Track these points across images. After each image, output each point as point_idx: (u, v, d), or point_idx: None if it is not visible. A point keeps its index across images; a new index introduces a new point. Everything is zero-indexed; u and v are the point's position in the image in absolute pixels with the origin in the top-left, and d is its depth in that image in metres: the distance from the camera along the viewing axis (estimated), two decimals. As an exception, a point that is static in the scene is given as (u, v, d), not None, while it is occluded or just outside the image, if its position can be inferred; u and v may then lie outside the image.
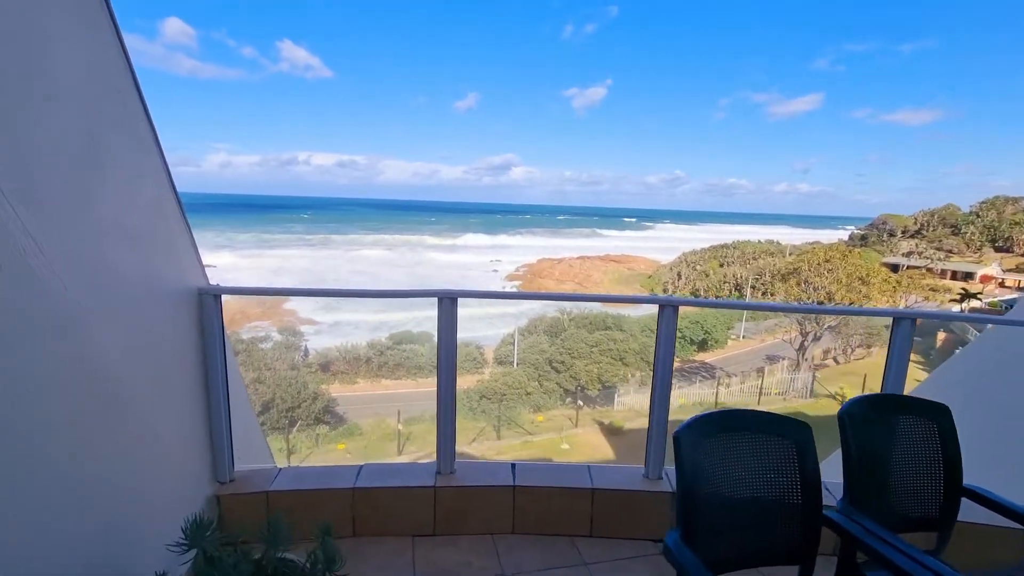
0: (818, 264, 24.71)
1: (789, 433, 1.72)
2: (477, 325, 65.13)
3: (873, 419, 1.88)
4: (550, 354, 29.00)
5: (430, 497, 2.68)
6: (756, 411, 1.77)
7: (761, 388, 20.27)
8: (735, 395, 21.79)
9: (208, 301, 2.45)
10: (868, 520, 1.70)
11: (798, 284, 25.30)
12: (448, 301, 2.64)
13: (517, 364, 38.52)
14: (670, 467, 2.94)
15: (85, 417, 1.63)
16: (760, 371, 37.25)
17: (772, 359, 41.32)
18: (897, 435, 1.91)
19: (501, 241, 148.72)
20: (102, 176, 1.76)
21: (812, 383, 20.54)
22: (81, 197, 1.64)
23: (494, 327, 59.77)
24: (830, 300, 23.91)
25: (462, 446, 14.60)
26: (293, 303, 70.51)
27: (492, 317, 69.97)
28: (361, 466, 2.85)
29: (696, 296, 73.14)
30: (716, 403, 19.35)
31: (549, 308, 67.09)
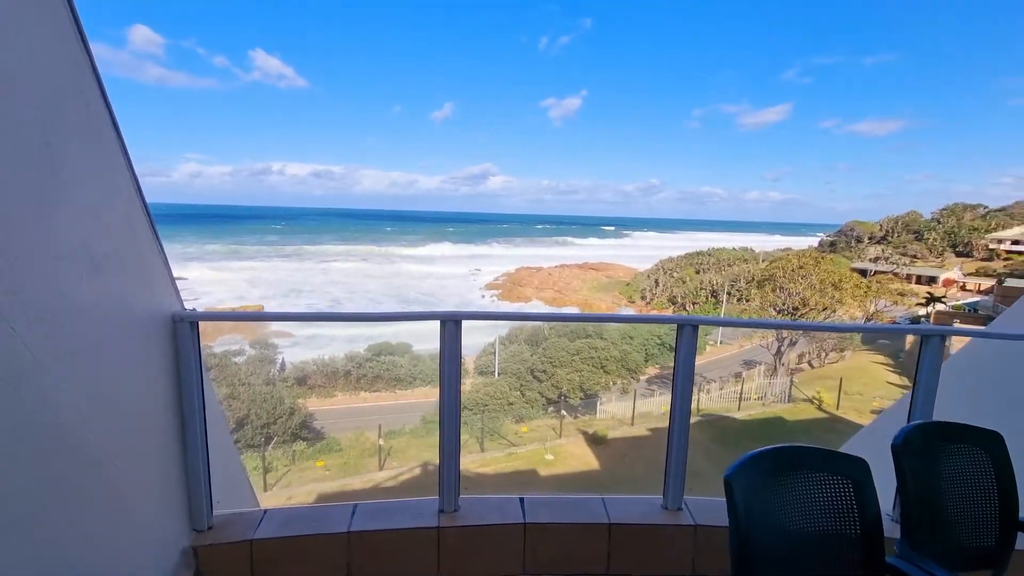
0: (792, 271, 25.19)
1: (845, 469, 1.57)
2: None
3: (927, 450, 1.75)
4: (532, 363, 28.81)
5: (433, 539, 2.45)
6: (810, 447, 1.61)
7: (741, 393, 20.44)
8: (715, 401, 21.94)
9: (183, 329, 2.19)
10: (931, 563, 1.56)
11: (773, 290, 25.75)
12: (452, 324, 2.43)
13: (499, 374, 38.19)
14: (689, 497, 2.77)
15: (46, 479, 1.37)
16: (738, 376, 37.79)
17: (749, 364, 41.97)
18: (951, 466, 1.78)
19: (479, 251, 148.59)
20: (63, 193, 1.51)
21: (790, 387, 20.83)
22: (36, 218, 1.38)
23: (473, 336, 59.40)
24: (804, 305, 24.39)
25: (446, 461, 14.29)
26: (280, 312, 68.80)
27: (471, 326, 69.46)
28: (355, 505, 2.60)
29: (674, 302, 74.15)
30: (698, 409, 19.41)
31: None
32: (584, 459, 14.59)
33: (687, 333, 2.57)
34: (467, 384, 38.32)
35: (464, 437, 17.00)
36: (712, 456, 14.81)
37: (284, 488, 12.56)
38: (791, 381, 20.88)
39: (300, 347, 54.95)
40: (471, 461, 14.18)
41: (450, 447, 2.53)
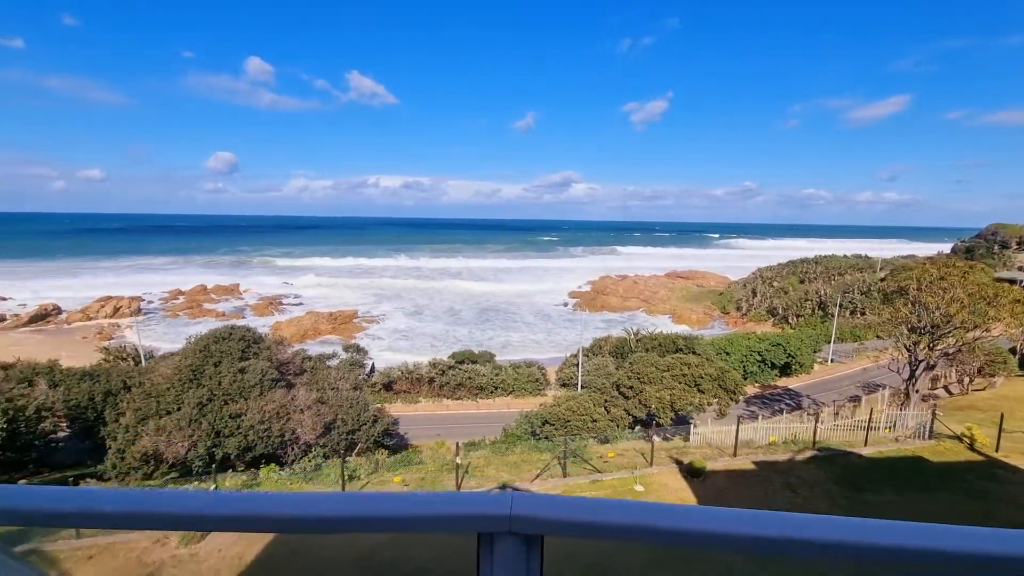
0: (930, 282, 21.47)
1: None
2: (540, 341, 63.85)
3: None
4: (617, 378, 27.21)
5: None
6: None
7: (869, 424, 17.52)
8: (832, 431, 19.05)
9: None
10: None
11: (906, 305, 22.11)
12: (500, 543, 1.00)
13: (581, 387, 36.84)
14: None
15: None
16: (855, 401, 33.31)
17: (869, 387, 36.97)
18: None
19: (562, 259, 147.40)
20: None
21: (931, 420, 17.53)
22: None
23: (556, 347, 58.28)
24: (947, 323, 20.62)
25: (524, 483, 13.39)
26: (369, 320, 72.73)
27: (553, 333, 68.45)
28: None
29: (775, 314, 67.94)
30: (815, 441, 16.88)
31: (614, 327, 64.67)
32: (679, 493, 13.02)
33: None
34: (548, 396, 37.39)
35: (545, 457, 16.04)
36: (835, 501, 12.61)
37: (361, 502, 12.35)
38: (933, 413, 17.58)
39: (387, 352, 57.09)
40: (552, 487, 13.17)
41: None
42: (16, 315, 68.75)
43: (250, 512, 0.87)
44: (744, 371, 40.31)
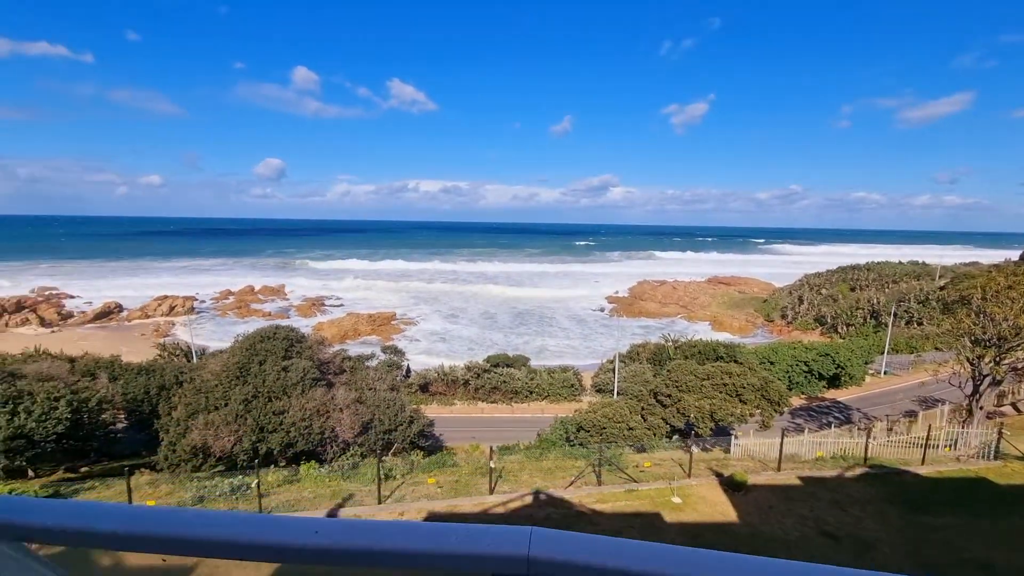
0: (997, 291, 20.03)
1: None
2: (576, 346, 63.31)
3: None
4: (655, 385, 26.63)
5: None
6: None
7: (927, 442, 16.45)
8: (885, 447, 17.98)
9: None
10: None
11: (969, 315, 20.69)
12: None
13: (618, 394, 36.26)
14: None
15: None
16: (911, 416, 31.39)
17: (926, 403, 34.78)
18: None
19: (599, 263, 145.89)
20: None
21: (998, 440, 16.32)
22: None
23: (593, 354, 57.61)
24: (1016, 336, 19.17)
25: (557, 490, 13.23)
26: (407, 322, 74.12)
27: (589, 338, 67.73)
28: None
29: (823, 323, 64.99)
30: (866, 457, 15.99)
31: (652, 334, 63.45)
32: (719, 507, 12.57)
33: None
34: (583, 402, 36.98)
35: (579, 464, 15.83)
36: (888, 521, 11.88)
37: (397, 503, 12.48)
38: (999, 432, 16.37)
39: (424, 354, 57.82)
40: (586, 495, 12.95)
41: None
42: (83, 312, 73.55)
43: (247, 538, 0.83)
44: (789, 382, 38.72)
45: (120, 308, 76.69)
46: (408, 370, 42.60)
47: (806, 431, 25.53)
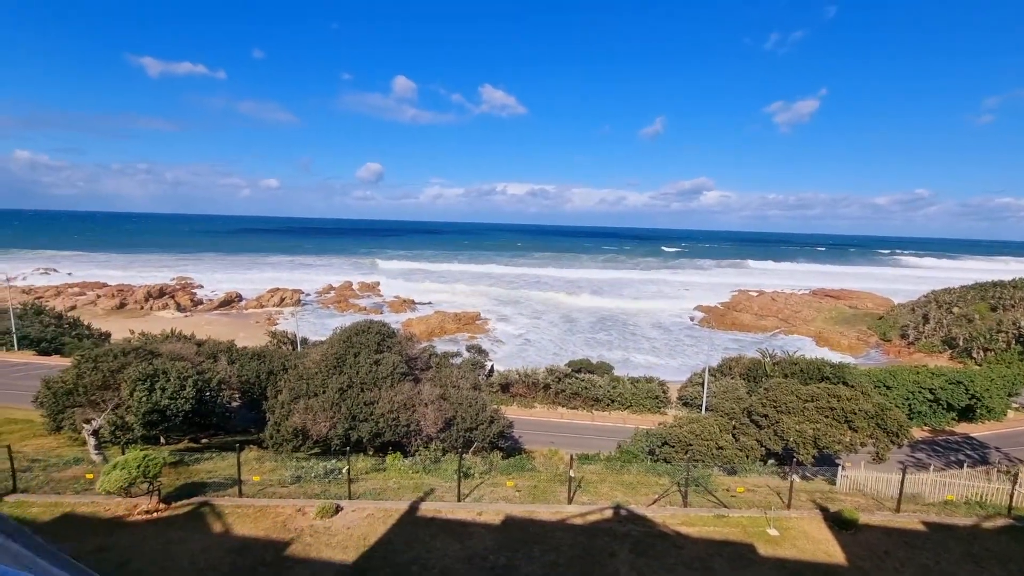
0: None
1: None
2: (661, 356, 60.84)
3: None
4: (749, 403, 24.75)
5: None
6: None
7: (1094, 498, 13.69)
8: (1036, 497, 15.21)
9: None
10: None
11: None
12: None
13: (706, 409, 34.22)
14: None
15: None
16: (1070, 462, 26.45)
17: (1092, 447, 29.18)
18: None
19: (688, 277, 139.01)
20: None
21: None
22: None
23: (681, 368, 54.96)
24: None
25: (639, 507, 12.64)
26: (491, 323, 75.73)
27: (675, 349, 64.76)
28: None
29: (953, 346, 56.99)
30: (1011, 507, 13.64)
31: (747, 346, 59.40)
32: (822, 545, 11.30)
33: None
34: (669, 415, 35.35)
35: (663, 481, 15.05)
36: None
37: (476, 502, 12.59)
38: None
39: (506, 357, 58.51)
40: (670, 515, 12.24)
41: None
42: (210, 300, 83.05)
43: None
44: (909, 410, 34.41)
45: (239, 298, 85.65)
46: (491, 369, 43.27)
47: (931, 469, 22.44)
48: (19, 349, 41.26)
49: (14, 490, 12.32)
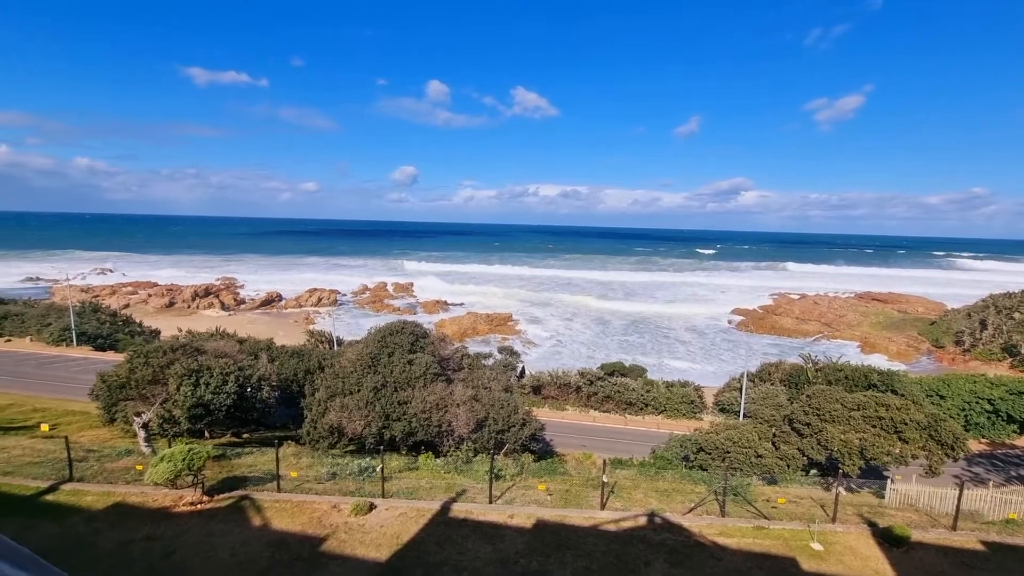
0: None
1: None
2: (696, 360, 59.43)
3: None
4: (791, 410, 23.84)
5: None
6: None
7: None
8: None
9: None
10: None
11: None
12: None
13: (744, 416, 33.17)
14: None
15: None
16: None
17: None
18: None
19: (725, 280, 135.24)
20: None
21: None
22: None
23: (717, 374, 53.52)
24: None
25: (674, 515, 12.32)
26: (522, 324, 75.74)
27: (711, 352, 63.14)
28: None
29: (1014, 353, 53.51)
30: (1081, 530, 12.64)
31: (788, 352, 57.43)
32: (871, 563, 10.74)
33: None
34: (704, 421, 34.44)
35: (699, 489, 14.64)
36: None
37: (507, 504, 12.54)
38: None
39: (540, 358, 58.31)
40: (707, 525, 11.87)
41: None
42: (252, 299, 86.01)
43: None
44: (965, 421, 32.50)
45: (279, 297, 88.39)
46: (522, 371, 43.20)
47: (990, 484, 21.09)
48: (78, 345, 43.73)
49: (71, 479, 13.01)
